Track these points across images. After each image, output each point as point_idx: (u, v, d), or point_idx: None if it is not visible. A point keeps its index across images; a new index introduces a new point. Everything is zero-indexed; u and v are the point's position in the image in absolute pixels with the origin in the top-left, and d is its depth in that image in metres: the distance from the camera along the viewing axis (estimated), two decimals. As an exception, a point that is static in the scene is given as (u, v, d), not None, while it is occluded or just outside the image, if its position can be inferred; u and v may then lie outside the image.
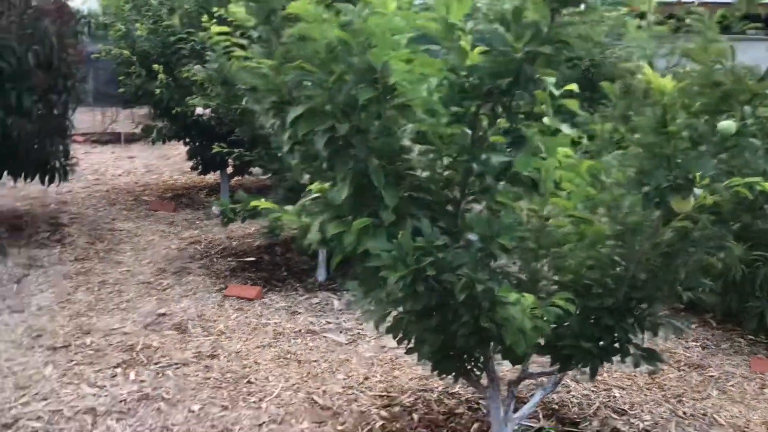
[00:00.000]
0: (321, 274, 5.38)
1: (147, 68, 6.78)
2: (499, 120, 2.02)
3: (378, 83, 1.87)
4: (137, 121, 13.03)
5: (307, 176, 4.85)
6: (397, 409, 3.44)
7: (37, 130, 5.17)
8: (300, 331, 4.37)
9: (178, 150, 9.94)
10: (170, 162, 9.86)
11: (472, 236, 1.97)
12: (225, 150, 5.57)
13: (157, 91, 6.59)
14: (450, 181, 2.15)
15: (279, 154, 4.93)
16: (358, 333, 4.37)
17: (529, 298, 1.82)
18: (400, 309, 2.70)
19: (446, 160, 2.10)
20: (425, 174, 2.16)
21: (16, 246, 5.73)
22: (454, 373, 2.71)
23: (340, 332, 4.38)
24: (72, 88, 5.54)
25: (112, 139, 11.33)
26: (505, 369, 3.41)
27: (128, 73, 6.89)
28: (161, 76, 6.56)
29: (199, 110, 5.59)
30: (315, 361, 3.96)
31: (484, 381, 2.82)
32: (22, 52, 4.97)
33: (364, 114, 1.91)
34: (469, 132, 2.01)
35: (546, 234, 2.33)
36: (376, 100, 1.87)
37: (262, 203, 3.14)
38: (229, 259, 5.72)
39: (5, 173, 5.96)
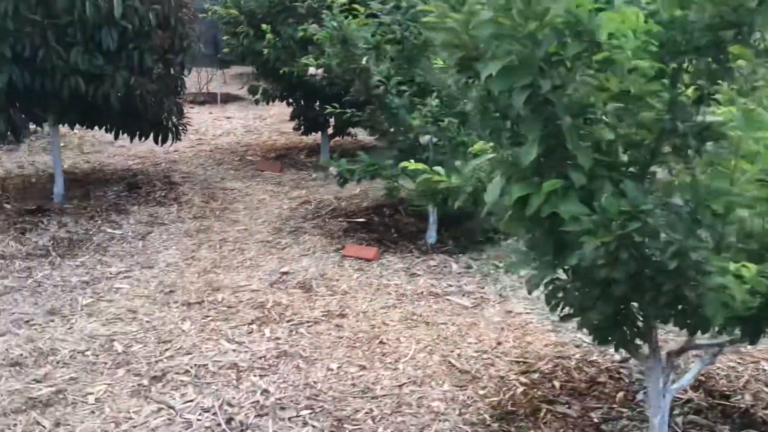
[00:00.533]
0: (431, 237, 5.33)
1: (254, 28, 6.79)
2: (703, 76, 1.88)
3: (584, 37, 1.76)
4: (228, 82, 13.24)
5: (427, 136, 4.81)
6: (536, 375, 3.38)
7: (156, 89, 5.23)
8: (422, 293, 4.35)
9: (273, 111, 10.05)
10: (267, 122, 9.96)
11: (677, 200, 1.86)
12: (337, 110, 5.53)
13: (265, 51, 6.60)
14: (640, 143, 2.03)
15: (397, 113, 4.86)
16: (482, 297, 4.32)
17: (752, 269, 1.71)
18: (557, 275, 2.63)
19: (640, 120, 1.97)
20: (612, 135, 2.05)
21: (135, 203, 5.89)
22: (615, 343, 2.61)
23: (463, 295, 4.33)
24: (188, 47, 5.59)
25: (208, 99, 11.52)
26: (663, 339, 3.29)
27: (235, 33, 6.92)
28: (269, 35, 6.56)
29: (311, 70, 5.57)
30: (443, 323, 3.93)
31: (644, 351, 2.72)
32: (144, 12, 5.02)
33: (565, 70, 1.81)
34: (671, 90, 1.88)
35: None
36: (581, 55, 1.77)
37: (411, 164, 3.09)
38: (339, 219, 5.73)
39: (121, 132, 6.10)
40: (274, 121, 10.01)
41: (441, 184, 3.04)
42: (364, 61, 4.74)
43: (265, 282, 4.46)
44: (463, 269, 4.73)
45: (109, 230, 5.28)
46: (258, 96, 7.31)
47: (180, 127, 6.23)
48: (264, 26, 6.52)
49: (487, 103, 1.95)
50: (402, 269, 4.71)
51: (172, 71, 5.65)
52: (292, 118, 7.81)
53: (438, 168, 3.06)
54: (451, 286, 4.47)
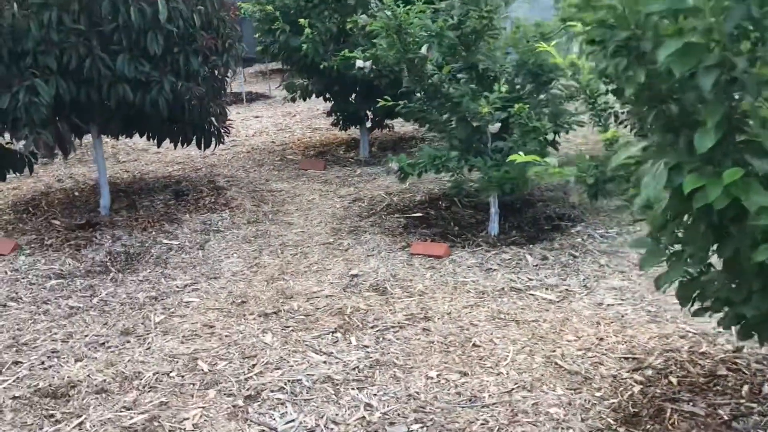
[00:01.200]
0: (494, 228, 5.14)
1: (290, 23, 6.60)
2: None
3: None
4: (248, 80, 13.05)
5: (497, 124, 4.61)
6: (649, 372, 3.19)
7: (203, 93, 5.06)
8: (503, 289, 4.16)
9: (301, 107, 9.87)
10: (297, 119, 9.77)
11: None
12: (390, 103, 5.32)
13: (304, 46, 6.40)
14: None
15: (460, 102, 4.66)
16: (566, 289, 4.13)
17: None
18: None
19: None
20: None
21: (186, 211, 5.73)
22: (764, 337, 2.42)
23: (546, 289, 4.15)
24: (230, 48, 5.40)
25: (233, 99, 11.32)
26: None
27: (270, 30, 6.73)
28: (307, 30, 6.37)
29: (359, 63, 5.37)
30: (533, 321, 3.75)
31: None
32: (189, 14, 4.84)
33: (751, 45, 1.61)
34: None
35: None
36: (774, 27, 1.58)
37: (520, 157, 2.91)
38: (396, 215, 5.55)
39: (166, 139, 5.93)
40: (303, 118, 9.82)
41: (555, 176, 2.84)
42: (424, 50, 4.53)
43: (337, 286, 4.28)
44: (539, 261, 4.53)
45: (165, 241, 5.12)
46: (296, 93, 7.11)
47: (223, 130, 6.05)
48: (302, 21, 6.32)
49: (656, 87, 1.75)
50: (475, 265, 4.52)
51: (216, 73, 5.46)
52: (329, 114, 7.63)
53: (550, 159, 2.86)
54: (531, 279, 4.28)
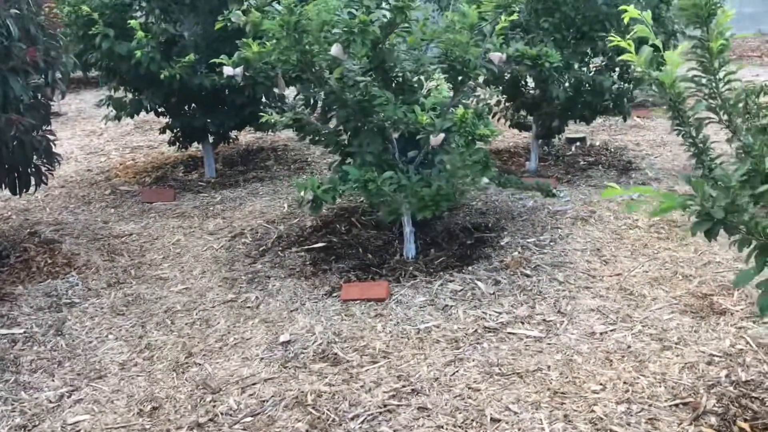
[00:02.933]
0: (410, 250, 4.45)
1: (114, 27, 5.33)
2: None
3: None
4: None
5: (441, 135, 3.86)
6: (713, 420, 2.68)
7: (31, 125, 3.77)
8: (476, 331, 3.48)
9: (108, 124, 8.38)
10: (107, 138, 8.30)
11: None
12: (273, 118, 4.34)
13: (138, 53, 5.19)
14: None
15: (366, 111, 3.87)
16: (543, 320, 3.54)
17: None
18: None
19: None
20: None
21: (15, 281, 4.34)
22: None
23: (522, 323, 3.53)
24: (56, 62, 4.11)
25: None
26: None
27: (85, 35, 5.38)
28: (140, 33, 5.17)
29: (228, 70, 4.34)
30: (536, 371, 3.11)
31: None
32: (1, 21, 3.53)
33: None
34: None
35: None
36: None
37: (616, 189, 2.22)
38: (294, 249, 4.63)
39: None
40: (114, 136, 8.36)
41: (663, 209, 2.19)
42: (334, 50, 3.66)
43: (272, 363, 3.32)
44: (494, 288, 3.90)
45: (3, 331, 3.76)
46: (127, 110, 5.82)
47: (45, 169, 4.69)
48: (132, 22, 5.10)
49: None
50: (427, 303, 3.78)
51: (40, 97, 4.13)
52: (163, 130, 6.42)
53: (666, 193, 2.20)
54: (499, 314, 3.63)
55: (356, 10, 3.62)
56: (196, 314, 3.85)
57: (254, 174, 6.42)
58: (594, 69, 5.61)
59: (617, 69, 5.66)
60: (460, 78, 4.09)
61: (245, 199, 5.72)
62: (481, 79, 4.51)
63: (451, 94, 3.94)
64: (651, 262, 4.12)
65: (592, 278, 3.97)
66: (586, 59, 5.50)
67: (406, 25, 3.95)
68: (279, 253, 4.59)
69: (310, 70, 3.89)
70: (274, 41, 3.87)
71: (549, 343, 3.34)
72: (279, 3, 3.82)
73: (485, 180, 3.79)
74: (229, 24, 4.09)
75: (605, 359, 3.17)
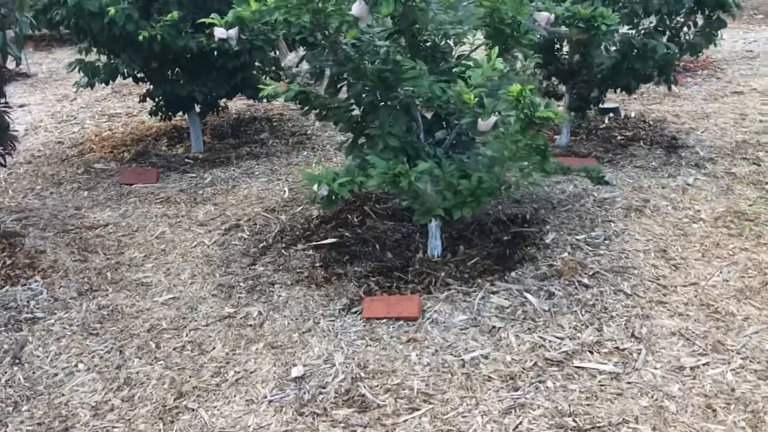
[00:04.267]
0: (436, 247, 3.77)
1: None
2: None
3: None
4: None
5: (493, 119, 3.12)
6: None
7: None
8: (536, 364, 2.80)
9: (68, 89, 7.56)
10: (80, 104, 7.47)
11: None
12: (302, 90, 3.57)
13: (111, 10, 4.38)
14: None
15: (390, 85, 3.13)
16: (616, 348, 2.88)
17: None
18: None
19: None
20: None
21: (-34, 289, 3.60)
22: None
23: (591, 352, 2.85)
24: (5, 21, 3.31)
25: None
26: None
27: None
28: (112, -14, 4.35)
29: (220, 32, 3.57)
30: (620, 424, 2.46)
31: None
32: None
33: None
34: None
35: None
36: None
37: None
38: (300, 246, 3.92)
39: None
40: (88, 102, 7.53)
41: None
42: (356, 8, 2.89)
43: (286, 409, 2.64)
44: (547, 302, 3.22)
45: (-54, 359, 3.05)
46: (97, 77, 5.02)
47: (2, 148, 3.92)
48: (103, -27, 4.28)
49: None
50: (468, 323, 3.10)
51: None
52: (144, 99, 5.63)
53: None
54: (561, 339, 2.96)
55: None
56: (187, 335, 3.15)
57: (248, 149, 5.66)
58: (642, 31, 4.85)
59: (667, 32, 4.92)
60: (505, 44, 3.34)
61: (239, 180, 4.97)
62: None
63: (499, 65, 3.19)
64: (729, 267, 3.45)
65: (663, 289, 3.29)
66: (635, 20, 4.74)
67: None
68: (282, 251, 3.88)
69: (323, 33, 3.12)
70: (279, -3, 3.09)
71: (629, 382, 2.68)
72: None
73: (539, 174, 3.08)
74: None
75: (706, 407, 2.52)
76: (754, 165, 4.73)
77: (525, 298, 3.26)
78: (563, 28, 3.84)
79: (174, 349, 3.06)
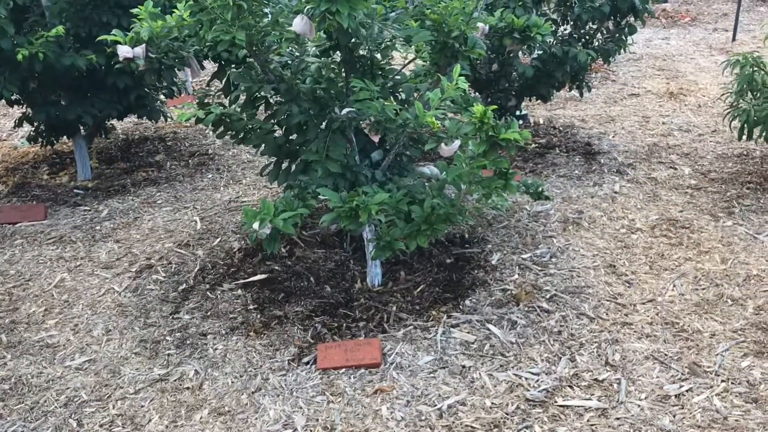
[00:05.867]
0: (376, 275, 3.53)
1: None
2: None
3: None
4: None
5: (456, 142, 2.86)
6: None
7: None
8: (518, 408, 2.60)
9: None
10: (-63, 128, 6.57)
11: None
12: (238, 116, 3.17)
13: (-19, 25, 3.78)
14: None
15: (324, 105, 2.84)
16: (595, 381, 2.72)
17: None
18: None
19: None
20: None
21: None
22: None
23: (572, 387, 2.68)
24: None
25: None
26: None
27: None
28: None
29: (124, 51, 3.10)
30: (627, 469, 2.27)
31: None
32: None
33: None
34: None
35: None
36: None
37: None
38: (227, 286, 3.53)
39: None
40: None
41: None
42: (297, 24, 2.55)
43: (252, 491, 2.27)
44: (513, 335, 3.03)
45: None
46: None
47: None
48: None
49: None
50: (435, 365, 2.85)
51: None
52: (19, 123, 4.98)
53: None
54: (536, 376, 2.77)
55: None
56: (114, 407, 2.69)
57: (143, 174, 5.13)
58: (560, 39, 4.79)
59: (582, 39, 4.89)
60: (451, 58, 3.11)
61: (140, 211, 4.47)
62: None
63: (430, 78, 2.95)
64: (680, 279, 3.40)
65: (624, 308, 3.18)
66: (554, 28, 4.66)
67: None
68: (207, 293, 3.47)
69: (253, 51, 2.76)
70: (198, 11, 2.70)
71: (618, 418, 2.52)
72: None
73: (505, 200, 2.87)
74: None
75: (708, 442, 2.38)
76: (671, 169, 4.77)
77: (488, 330, 3.04)
78: (496, 39, 3.67)
79: (101, 426, 2.60)
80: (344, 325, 3.13)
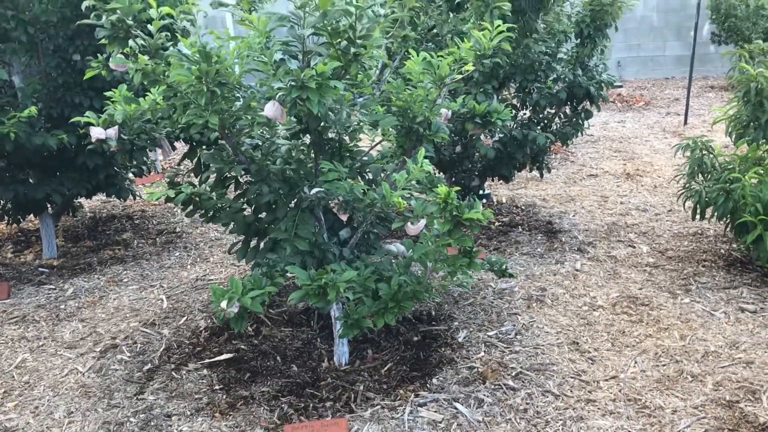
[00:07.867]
0: (344, 354, 3.54)
1: None
2: None
3: None
4: None
5: (423, 221, 2.94)
6: None
7: None
8: (485, 486, 2.58)
9: None
10: None
11: None
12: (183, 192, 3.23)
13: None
14: None
15: (292, 185, 2.93)
16: (563, 458, 2.73)
17: None
18: None
19: None
20: None
21: None
22: None
23: (537, 465, 2.69)
24: None
25: None
26: None
27: None
28: (-43, 78, 3.83)
29: (97, 132, 3.17)
30: None
31: None
32: None
33: None
34: None
35: None
36: None
37: None
38: (192, 366, 3.50)
39: None
40: None
41: None
42: (270, 109, 2.66)
43: None
44: (480, 413, 3.05)
45: None
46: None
47: None
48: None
49: None
50: (402, 445, 2.84)
51: None
52: (-14, 202, 4.97)
53: None
54: (503, 453, 2.77)
55: (295, 56, 2.65)
56: (74, 493, 2.62)
57: (110, 252, 5.12)
58: (520, 123, 5.00)
59: (541, 123, 5.10)
60: (415, 142, 3.23)
61: (106, 289, 4.44)
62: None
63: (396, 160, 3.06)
64: (641, 356, 3.47)
65: (587, 385, 3.23)
66: (514, 113, 4.87)
67: (358, 74, 3.04)
68: (173, 373, 3.44)
69: (226, 134, 2.85)
70: (172, 96, 2.79)
71: (585, 496, 2.52)
72: (178, 46, 2.77)
73: (470, 277, 2.95)
74: (104, 73, 2.94)
75: None
76: (630, 247, 4.92)
77: (456, 408, 3.06)
78: (459, 124, 3.83)
79: None
80: (311, 405, 3.12)
